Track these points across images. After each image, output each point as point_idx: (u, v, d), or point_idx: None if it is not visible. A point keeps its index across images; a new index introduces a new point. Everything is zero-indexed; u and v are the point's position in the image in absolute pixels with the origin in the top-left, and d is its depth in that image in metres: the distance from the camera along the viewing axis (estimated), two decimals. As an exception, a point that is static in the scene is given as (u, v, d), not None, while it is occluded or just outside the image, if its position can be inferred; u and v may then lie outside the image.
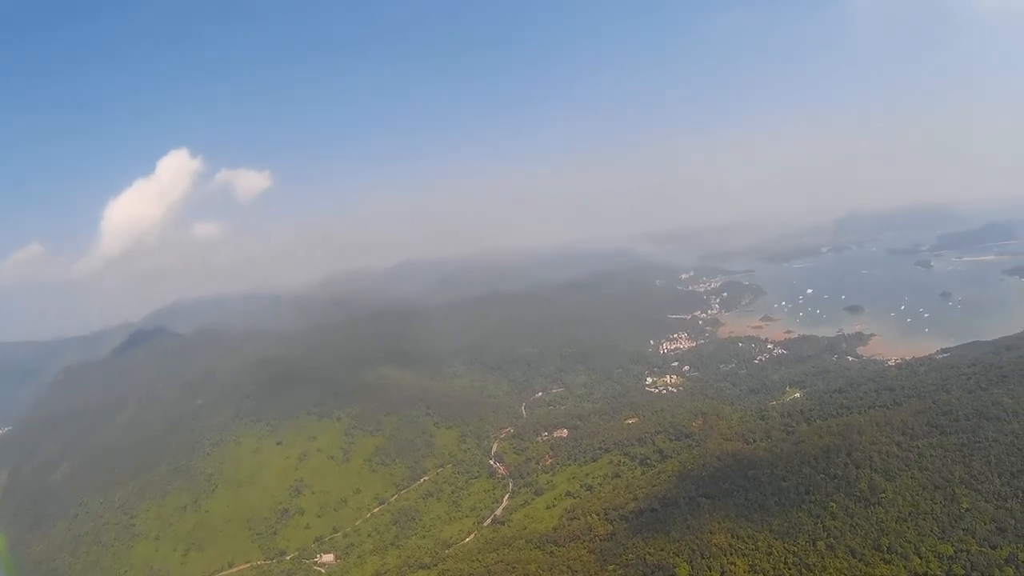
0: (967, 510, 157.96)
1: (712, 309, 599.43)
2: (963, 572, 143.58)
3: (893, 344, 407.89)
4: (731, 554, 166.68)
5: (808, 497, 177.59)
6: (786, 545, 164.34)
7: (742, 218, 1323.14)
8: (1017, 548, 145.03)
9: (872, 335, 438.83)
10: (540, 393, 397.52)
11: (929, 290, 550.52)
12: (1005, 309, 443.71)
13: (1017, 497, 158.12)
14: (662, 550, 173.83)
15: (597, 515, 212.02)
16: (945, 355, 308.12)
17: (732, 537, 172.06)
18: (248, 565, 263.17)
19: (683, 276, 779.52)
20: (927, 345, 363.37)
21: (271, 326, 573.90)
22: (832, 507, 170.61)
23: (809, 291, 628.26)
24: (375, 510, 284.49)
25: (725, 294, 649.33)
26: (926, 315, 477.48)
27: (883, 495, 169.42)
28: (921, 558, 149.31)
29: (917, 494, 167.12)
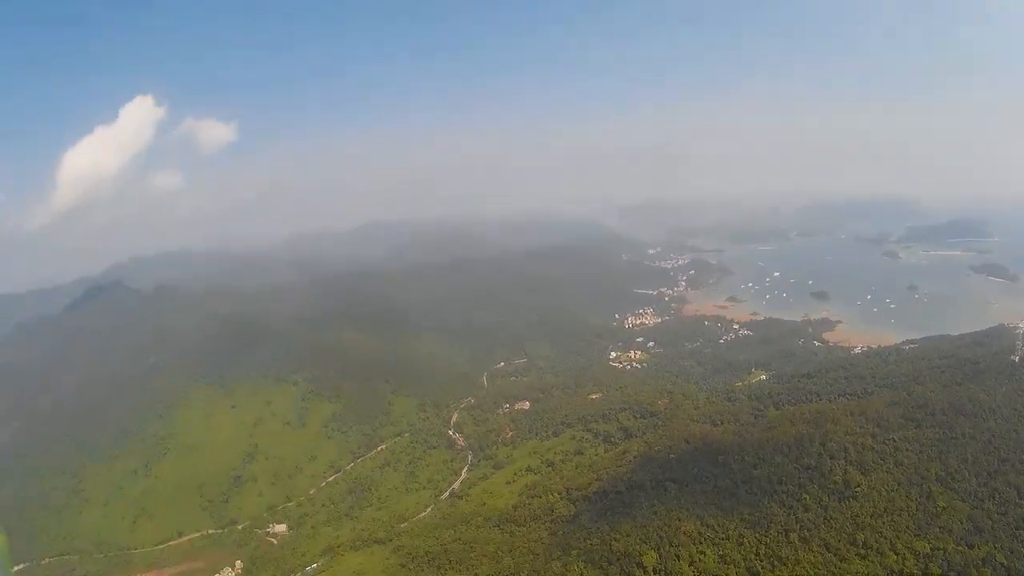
0: (944, 509, 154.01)
1: (679, 286, 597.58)
2: (940, 571, 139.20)
3: (859, 332, 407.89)
4: (700, 543, 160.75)
5: (780, 487, 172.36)
6: (758, 536, 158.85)
7: (715, 195, 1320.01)
8: (994, 549, 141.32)
9: (838, 322, 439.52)
10: (502, 363, 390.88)
11: (896, 281, 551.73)
12: (970, 305, 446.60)
13: (994, 498, 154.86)
14: (628, 536, 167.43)
15: (559, 494, 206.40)
16: (913, 346, 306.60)
17: (701, 525, 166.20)
18: (198, 534, 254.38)
19: (651, 251, 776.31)
20: (893, 335, 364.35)
21: (230, 284, 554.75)
22: (806, 499, 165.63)
23: (776, 274, 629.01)
24: (330, 478, 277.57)
25: (692, 272, 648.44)
26: (892, 306, 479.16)
27: (858, 489, 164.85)
28: (897, 554, 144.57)
29: (893, 490, 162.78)
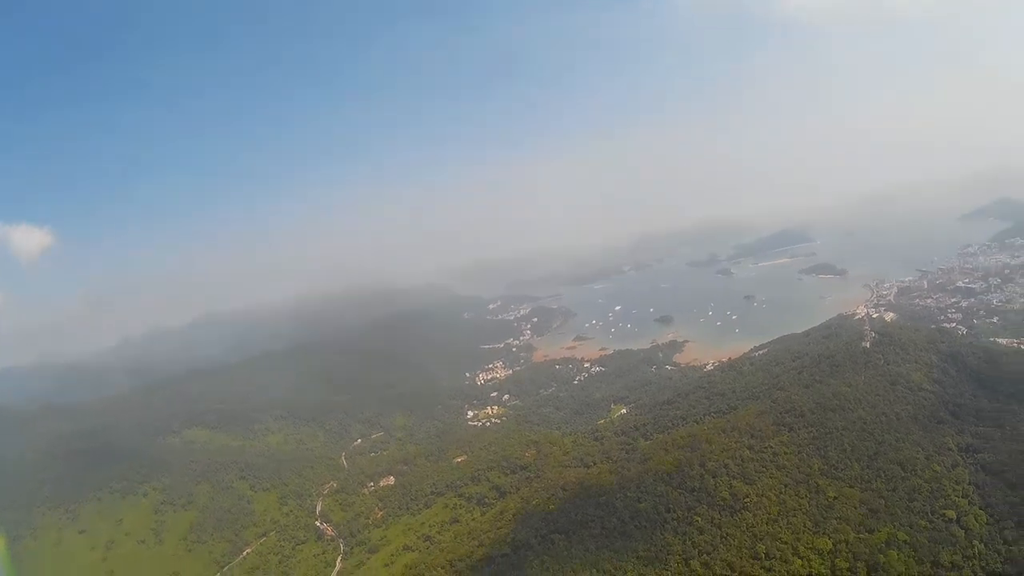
0: (835, 499, 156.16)
1: (524, 335, 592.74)
2: (847, 564, 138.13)
3: (708, 348, 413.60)
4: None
5: (670, 515, 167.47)
6: (657, 571, 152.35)
7: (540, 249, 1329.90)
8: (893, 528, 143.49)
9: (686, 342, 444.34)
10: (359, 440, 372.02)
11: (733, 295, 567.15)
12: (805, 304, 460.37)
13: (880, 478, 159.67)
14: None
15: (443, 569, 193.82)
16: (763, 351, 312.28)
17: (597, 571, 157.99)
18: None
19: (491, 306, 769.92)
20: (741, 345, 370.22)
21: (63, 400, 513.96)
22: (698, 521, 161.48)
23: (617, 308, 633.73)
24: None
25: (535, 319, 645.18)
26: (734, 317, 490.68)
27: (747, 500, 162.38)
28: (801, 558, 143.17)
29: (781, 492, 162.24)
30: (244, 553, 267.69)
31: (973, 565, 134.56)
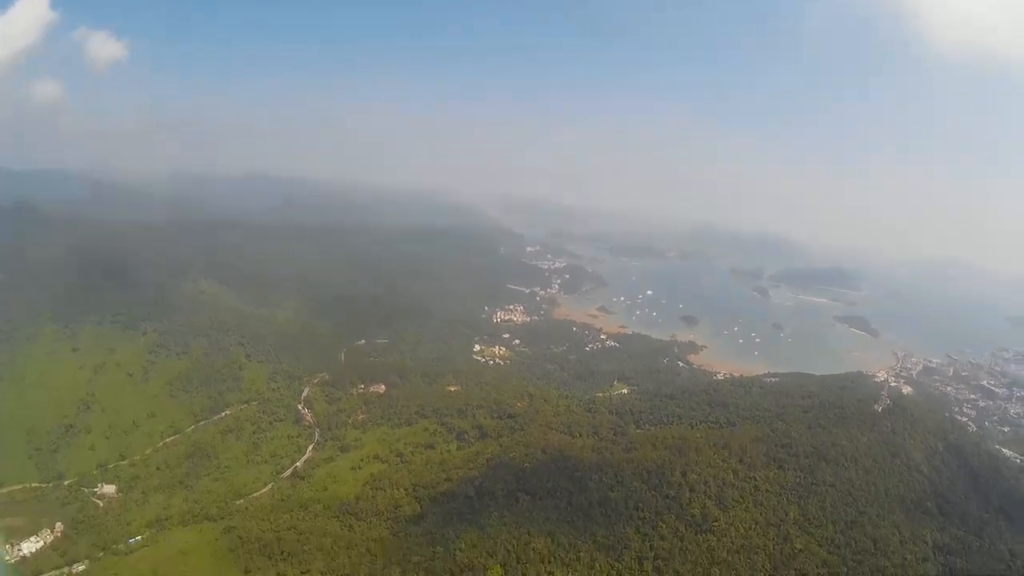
0: (800, 551, 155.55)
1: (552, 288, 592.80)
2: None
3: (723, 360, 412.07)
4: (550, 562, 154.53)
5: (637, 513, 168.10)
6: (610, 560, 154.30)
7: (603, 206, 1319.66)
8: None
9: (704, 347, 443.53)
10: (363, 340, 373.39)
11: (763, 318, 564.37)
12: (830, 351, 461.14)
13: (850, 546, 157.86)
14: (474, 547, 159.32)
15: (405, 490, 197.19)
16: (775, 379, 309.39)
17: (552, 543, 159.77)
18: (20, 487, 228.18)
19: (529, 249, 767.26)
20: (756, 367, 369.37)
21: (97, 214, 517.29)
22: (662, 528, 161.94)
23: (649, 292, 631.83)
24: (168, 439, 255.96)
25: (567, 276, 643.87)
26: (757, 340, 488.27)
27: (716, 524, 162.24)
28: None
29: (750, 528, 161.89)
30: (223, 413, 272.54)
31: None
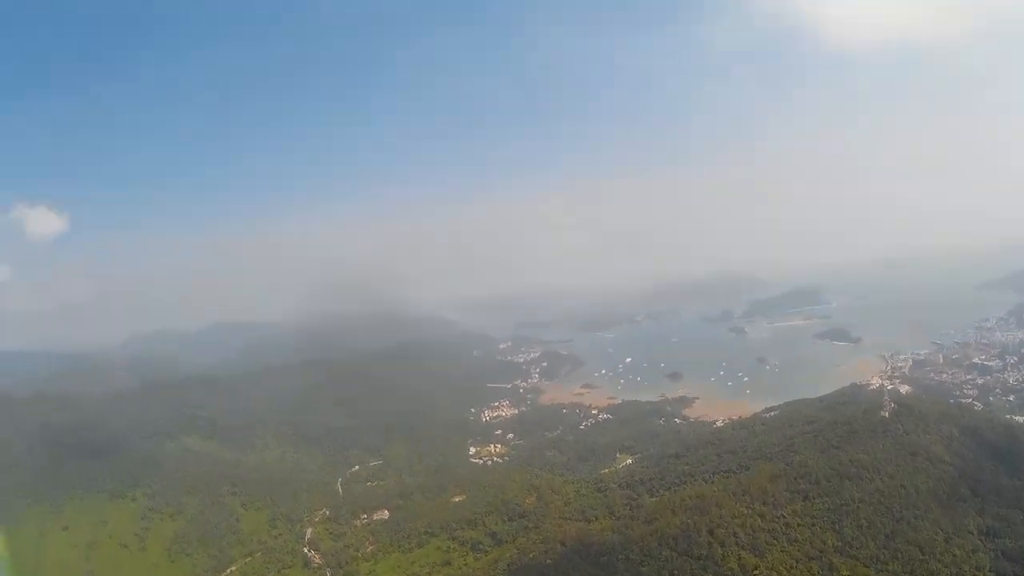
0: None
1: (532, 378, 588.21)
2: None
3: (717, 406, 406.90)
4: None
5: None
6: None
7: (553, 288, 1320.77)
8: None
9: (696, 398, 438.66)
10: (357, 467, 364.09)
11: (745, 354, 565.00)
12: (818, 370, 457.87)
13: (897, 559, 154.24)
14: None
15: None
16: (774, 413, 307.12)
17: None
18: None
19: (501, 346, 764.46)
20: (752, 406, 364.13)
21: (62, 388, 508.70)
22: None
23: (628, 359, 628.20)
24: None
25: (545, 364, 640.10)
26: (745, 378, 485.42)
27: (756, 572, 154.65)
28: None
29: (792, 567, 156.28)
30: (228, 570, 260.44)
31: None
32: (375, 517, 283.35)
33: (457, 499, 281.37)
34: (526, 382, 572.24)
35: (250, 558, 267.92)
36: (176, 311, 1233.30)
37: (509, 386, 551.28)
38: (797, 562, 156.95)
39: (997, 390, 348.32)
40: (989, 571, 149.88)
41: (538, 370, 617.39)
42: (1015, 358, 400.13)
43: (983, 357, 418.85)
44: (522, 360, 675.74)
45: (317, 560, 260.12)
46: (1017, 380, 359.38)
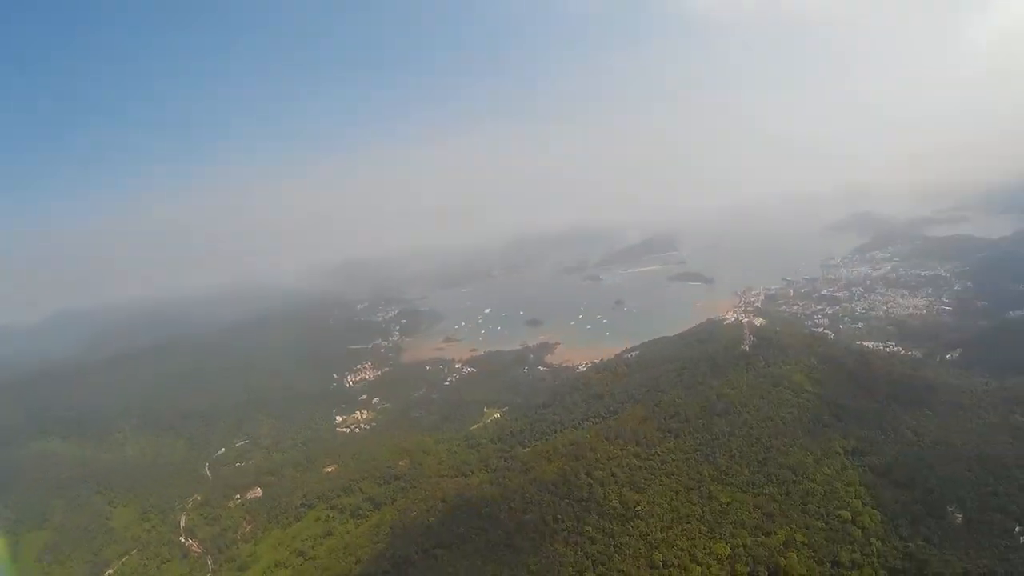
0: (729, 504, 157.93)
1: (392, 336, 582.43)
2: (747, 569, 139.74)
3: (579, 350, 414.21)
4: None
5: (559, 526, 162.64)
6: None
7: (408, 248, 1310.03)
8: (791, 530, 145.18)
9: (557, 344, 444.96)
10: (223, 449, 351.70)
11: (603, 300, 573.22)
12: (675, 309, 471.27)
13: (772, 482, 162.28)
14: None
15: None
16: (635, 353, 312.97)
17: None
18: None
19: (358, 307, 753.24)
20: (612, 348, 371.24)
21: None
22: (588, 531, 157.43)
23: (487, 311, 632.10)
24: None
25: (404, 321, 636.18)
26: (604, 321, 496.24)
27: (639, 507, 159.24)
28: (700, 564, 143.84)
29: (673, 499, 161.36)
30: (106, 574, 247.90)
31: (873, 562, 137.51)
32: (248, 496, 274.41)
33: (329, 469, 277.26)
34: (387, 340, 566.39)
35: (127, 557, 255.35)
36: (10, 304, 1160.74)
37: (370, 347, 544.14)
38: (677, 493, 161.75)
39: (846, 319, 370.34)
40: (860, 485, 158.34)
41: (397, 327, 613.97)
42: (861, 288, 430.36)
43: (831, 289, 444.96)
44: (380, 319, 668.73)
45: (196, 548, 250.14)
46: (864, 309, 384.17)
